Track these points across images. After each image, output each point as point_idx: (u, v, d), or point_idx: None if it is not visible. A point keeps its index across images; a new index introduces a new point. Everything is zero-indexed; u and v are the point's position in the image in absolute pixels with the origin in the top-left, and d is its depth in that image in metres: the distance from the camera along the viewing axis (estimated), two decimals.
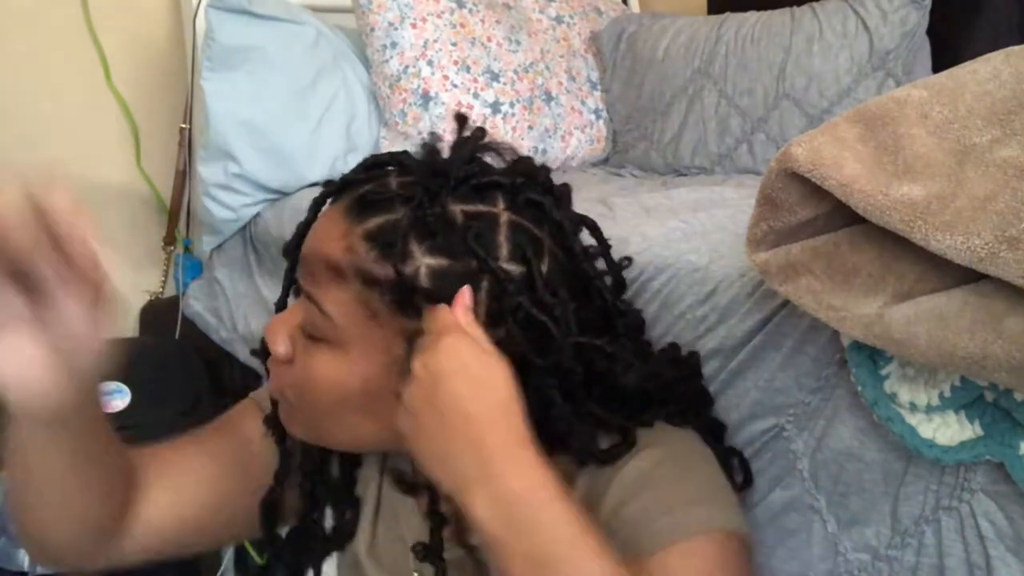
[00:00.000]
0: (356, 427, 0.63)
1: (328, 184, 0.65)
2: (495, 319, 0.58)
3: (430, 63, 1.39)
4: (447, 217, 0.59)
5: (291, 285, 0.68)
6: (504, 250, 0.59)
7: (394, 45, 1.39)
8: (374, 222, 0.59)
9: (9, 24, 1.56)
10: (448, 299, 0.57)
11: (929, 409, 0.57)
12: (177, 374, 1.45)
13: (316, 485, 0.72)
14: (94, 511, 0.60)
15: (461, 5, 1.46)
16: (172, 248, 1.74)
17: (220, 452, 0.71)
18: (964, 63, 0.60)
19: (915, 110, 0.56)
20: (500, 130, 1.42)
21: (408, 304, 0.58)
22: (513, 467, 0.51)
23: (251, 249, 1.40)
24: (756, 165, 1.40)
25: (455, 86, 1.39)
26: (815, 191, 0.56)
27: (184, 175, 1.67)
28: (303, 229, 0.66)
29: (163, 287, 1.76)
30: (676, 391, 0.68)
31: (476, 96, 1.41)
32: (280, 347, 0.63)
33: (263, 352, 0.68)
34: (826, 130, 0.57)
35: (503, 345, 0.57)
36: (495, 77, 1.44)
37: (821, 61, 1.36)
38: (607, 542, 0.50)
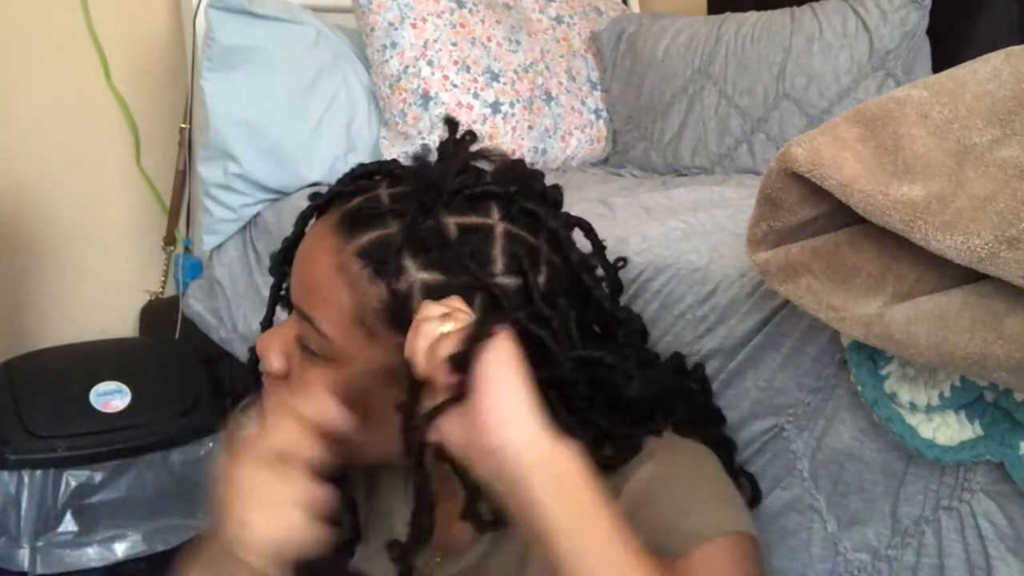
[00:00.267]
0: (363, 443, 0.62)
1: (315, 197, 0.64)
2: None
3: (430, 63, 1.39)
4: (441, 231, 0.57)
5: (276, 303, 0.67)
6: (500, 263, 0.58)
7: (394, 45, 1.39)
8: (366, 238, 0.58)
9: (9, 24, 1.56)
10: None
11: (929, 409, 0.57)
12: (177, 374, 1.46)
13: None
14: None
15: (461, 5, 1.46)
16: (172, 248, 1.74)
17: None
18: (964, 63, 0.60)
19: (915, 110, 0.56)
20: (500, 130, 1.42)
21: (404, 320, 0.56)
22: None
23: (251, 249, 1.40)
24: (756, 165, 1.40)
25: (455, 86, 1.39)
26: (815, 191, 0.56)
27: (184, 175, 1.67)
28: (291, 244, 0.64)
29: (163, 287, 1.76)
30: (680, 401, 0.67)
31: (476, 96, 1.41)
32: (275, 363, 0.62)
33: (254, 365, 0.67)
34: (826, 130, 0.57)
35: None
36: (495, 77, 1.44)
37: (821, 61, 1.35)
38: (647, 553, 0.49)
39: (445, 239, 0.57)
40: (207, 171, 1.36)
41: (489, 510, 0.59)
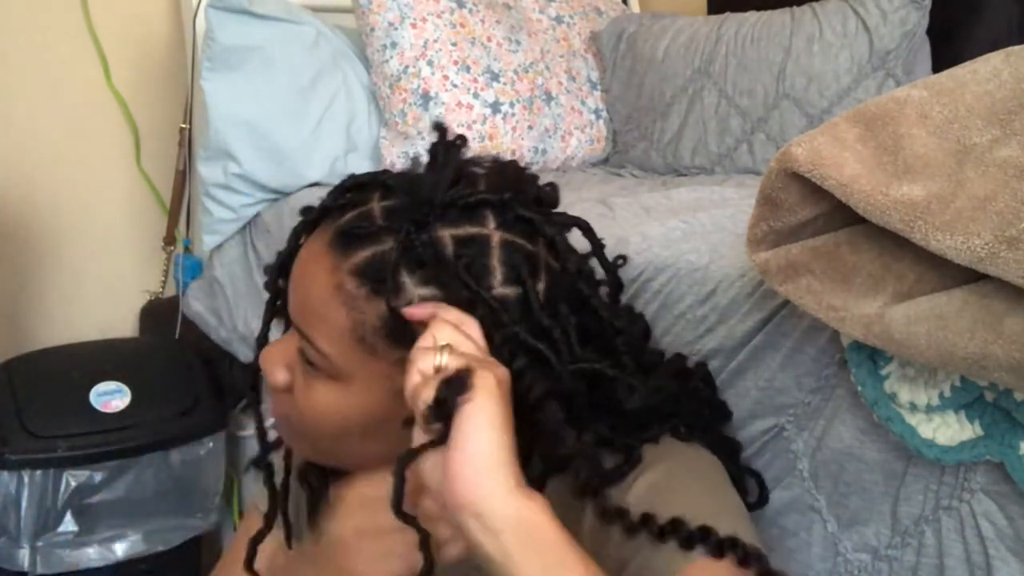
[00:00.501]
0: (362, 451, 0.62)
1: (306, 211, 0.63)
2: (496, 344, 0.56)
3: (430, 63, 1.39)
4: (436, 245, 0.57)
5: (272, 319, 0.67)
6: (498, 274, 0.57)
7: (394, 45, 1.39)
8: (361, 256, 0.57)
9: (9, 24, 1.56)
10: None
11: (929, 409, 0.57)
12: (177, 374, 1.46)
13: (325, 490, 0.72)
14: None
15: (461, 5, 1.46)
16: (172, 248, 1.74)
17: None
18: (964, 63, 0.60)
19: (915, 110, 0.56)
20: (500, 130, 1.42)
21: (405, 335, 0.56)
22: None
23: (251, 249, 1.40)
24: (756, 165, 1.40)
25: (455, 86, 1.39)
26: (815, 191, 0.56)
27: (184, 175, 1.67)
28: (285, 260, 0.64)
29: (163, 287, 1.76)
30: (683, 405, 0.66)
31: (476, 96, 1.41)
32: (279, 377, 0.62)
33: (254, 377, 0.67)
34: (826, 130, 0.57)
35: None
36: (495, 77, 1.44)
37: (821, 61, 1.35)
38: None
39: (441, 254, 0.57)
40: (207, 171, 1.36)
41: None
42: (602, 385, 0.59)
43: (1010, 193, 0.49)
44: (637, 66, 1.56)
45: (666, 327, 0.78)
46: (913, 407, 0.58)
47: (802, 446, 0.67)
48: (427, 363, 0.51)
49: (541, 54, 1.54)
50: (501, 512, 0.48)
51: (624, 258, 0.70)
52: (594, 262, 0.67)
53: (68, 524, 1.28)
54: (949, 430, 0.57)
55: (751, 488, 0.69)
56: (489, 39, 1.47)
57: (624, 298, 0.81)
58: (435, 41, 1.40)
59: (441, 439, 0.49)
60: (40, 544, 1.27)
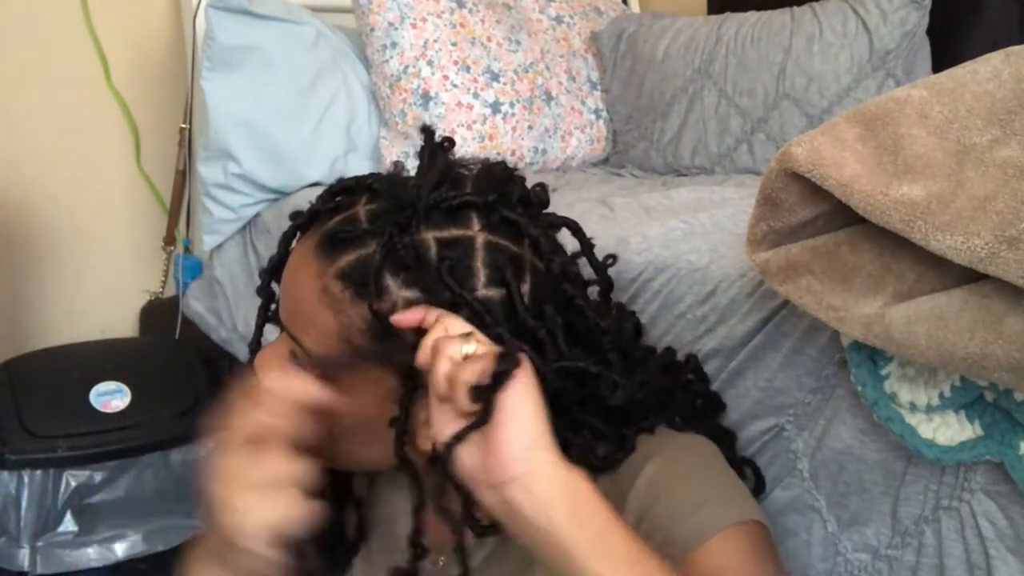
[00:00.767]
0: (357, 452, 0.62)
1: (295, 216, 0.63)
2: None
3: (430, 63, 1.39)
4: (420, 248, 0.57)
5: (264, 324, 0.67)
6: (482, 276, 0.57)
7: (394, 45, 1.39)
8: (346, 259, 0.58)
9: (9, 24, 1.56)
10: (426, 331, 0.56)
11: (929, 409, 0.57)
12: (177, 374, 1.46)
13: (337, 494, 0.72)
14: None
15: (461, 5, 1.46)
16: (172, 248, 1.74)
17: None
18: (964, 63, 0.60)
19: (915, 110, 0.56)
20: (500, 130, 1.42)
21: (391, 338, 0.56)
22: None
23: (251, 249, 1.40)
24: (756, 165, 1.40)
25: (455, 86, 1.39)
26: (815, 191, 0.56)
27: (184, 175, 1.67)
28: (276, 266, 0.64)
29: (163, 287, 1.76)
30: (674, 398, 0.67)
31: (476, 96, 1.41)
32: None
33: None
34: (826, 130, 0.57)
35: None
36: (495, 77, 1.44)
37: (821, 61, 1.35)
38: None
39: (424, 256, 0.57)
40: (207, 171, 1.36)
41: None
42: (588, 382, 0.60)
43: (1010, 193, 0.49)
44: (637, 66, 1.56)
45: (666, 327, 0.78)
46: (913, 407, 0.58)
47: (802, 446, 0.67)
48: (455, 350, 0.52)
49: (541, 54, 1.54)
50: (550, 483, 0.49)
51: (614, 257, 0.70)
52: (588, 263, 0.68)
53: (68, 524, 1.28)
54: (949, 430, 0.57)
55: (747, 478, 0.69)
56: (489, 39, 1.47)
57: (624, 298, 0.81)
58: (435, 41, 1.40)
59: (484, 419, 0.50)
60: (40, 544, 1.27)
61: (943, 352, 0.50)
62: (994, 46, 0.61)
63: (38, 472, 1.25)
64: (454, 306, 0.56)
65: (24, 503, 1.25)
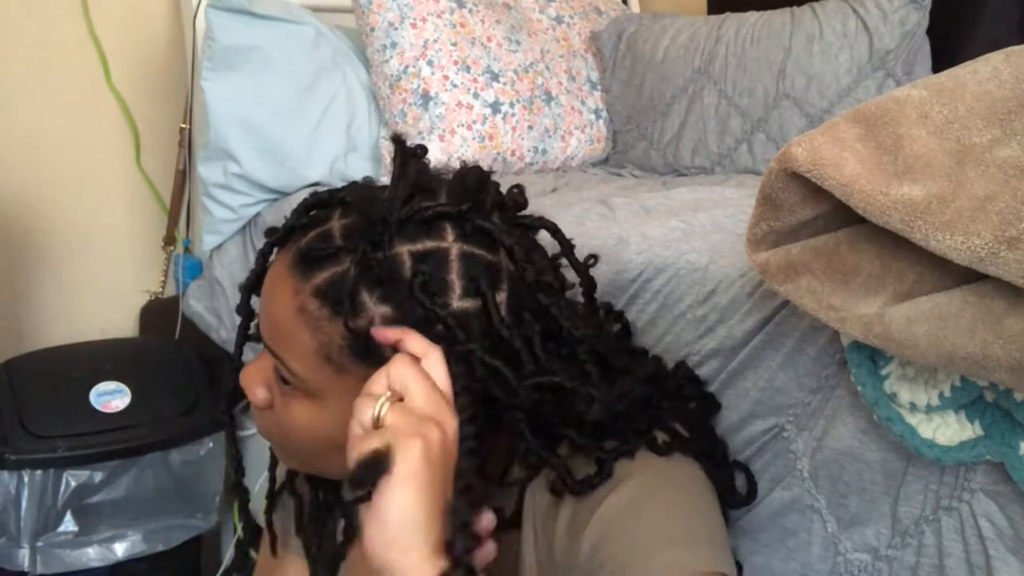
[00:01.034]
0: (345, 463, 0.62)
1: (270, 232, 0.63)
2: (456, 359, 0.56)
3: (430, 63, 1.39)
4: (394, 262, 0.56)
5: (244, 343, 0.68)
6: (457, 288, 0.57)
7: (394, 45, 1.39)
8: (321, 277, 0.57)
9: (9, 24, 1.56)
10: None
11: (929, 409, 0.57)
12: (177, 374, 1.46)
13: (326, 495, 0.72)
14: None
15: (461, 5, 1.46)
16: (172, 248, 1.74)
17: None
18: (964, 63, 0.60)
19: (915, 110, 0.56)
20: (500, 130, 1.42)
21: (370, 353, 0.56)
22: None
23: (251, 249, 1.40)
24: (756, 165, 1.40)
25: (455, 86, 1.39)
26: (815, 191, 0.56)
27: (184, 175, 1.67)
28: (253, 283, 0.64)
29: (163, 287, 1.76)
30: (659, 409, 0.65)
31: (476, 96, 1.41)
32: (258, 396, 0.63)
33: (230, 400, 0.68)
34: (826, 130, 0.57)
35: (467, 382, 0.56)
36: (495, 77, 1.44)
37: (821, 61, 1.35)
38: None
39: (397, 272, 0.56)
40: (207, 171, 1.36)
41: None
42: (562, 399, 0.59)
43: (1010, 193, 0.49)
44: (637, 66, 1.56)
45: (666, 327, 0.78)
46: (913, 407, 0.58)
47: (802, 446, 0.67)
48: (365, 415, 0.52)
49: (541, 54, 1.54)
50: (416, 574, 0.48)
51: (596, 257, 0.70)
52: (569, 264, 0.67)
53: (68, 524, 1.29)
54: (949, 430, 0.57)
55: (738, 484, 0.69)
56: (489, 39, 1.47)
57: (624, 298, 0.81)
58: (435, 41, 1.40)
59: (365, 497, 0.50)
60: (40, 544, 1.27)
61: (943, 352, 0.50)
62: (994, 46, 0.61)
63: (38, 472, 1.25)
64: (427, 321, 0.56)
65: (24, 503, 1.25)
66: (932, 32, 1.36)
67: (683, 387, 0.71)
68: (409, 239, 0.57)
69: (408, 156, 0.62)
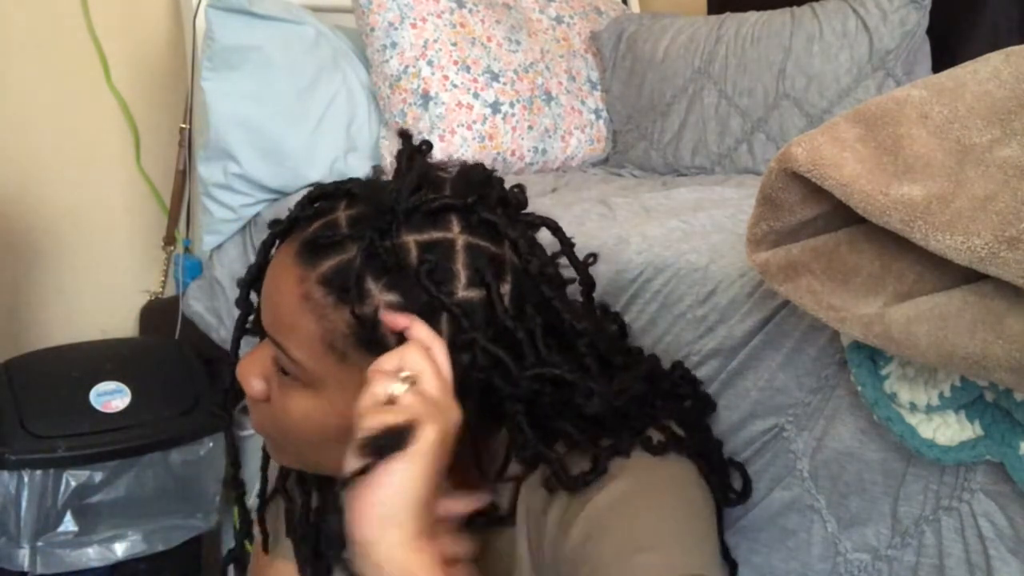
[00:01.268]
0: (343, 457, 0.62)
1: (274, 224, 0.63)
2: (459, 347, 0.57)
3: (430, 63, 1.39)
4: (400, 251, 0.57)
5: (241, 336, 0.67)
6: (462, 278, 0.58)
7: (394, 45, 1.39)
8: (327, 265, 0.58)
9: (9, 24, 1.56)
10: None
11: (929, 409, 0.57)
12: (177, 374, 1.46)
13: (320, 498, 0.72)
14: None
15: (461, 5, 1.46)
16: (172, 248, 1.74)
17: None
18: (964, 63, 0.60)
19: (915, 110, 0.56)
20: (500, 130, 1.42)
21: (374, 342, 0.56)
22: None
23: (251, 249, 1.40)
24: (756, 165, 1.40)
25: (455, 86, 1.39)
26: (815, 191, 0.56)
27: (184, 175, 1.67)
28: (256, 273, 0.64)
29: (163, 287, 1.76)
30: (654, 407, 0.65)
31: (476, 96, 1.41)
32: (255, 388, 0.63)
33: (235, 389, 0.67)
34: (826, 130, 0.57)
35: (468, 371, 0.56)
36: (495, 77, 1.44)
37: (821, 61, 1.35)
38: None
39: (404, 260, 0.57)
40: (207, 171, 1.36)
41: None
42: (564, 389, 0.59)
43: (1010, 193, 0.49)
44: (637, 66, 1.56)
45: (666, 327, 0.78)
46: (913, 407, 0.58)
47: (802, 446, 0.67)
48: (382, 388, 0.52)
49: (541, 54, 1.54)
50: (386, 559, 0.49)
51: (595, 256, 0.70)
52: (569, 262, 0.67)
53: (68, 524, 1.28)
54: (949, 430, 0.57)
55: (733, 482, 0.69)
56: (489, 39, 1.47)
57: (624, 298, 0.81)
58: (435, 41, 1.40)
59: (362, 472, 0.50)
60: (40, 544, 1.27)
61: (943, 352, 0.50)
62: (994, 46, 0.61)
63: (38, 472, 1.25)
64: (432, 309, 0.56)
65: (24, 503, 1.25)
66: (932, 32, 1.36)
67: (678, 386, 0.71)
68: (416, 229, 0.58)
69: (414, 150, 0.63)
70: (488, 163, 1.41)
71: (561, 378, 0.59)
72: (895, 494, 0.62)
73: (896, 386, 0.58)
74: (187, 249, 1.71)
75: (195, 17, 1.48)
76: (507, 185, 0.66)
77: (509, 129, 1.43)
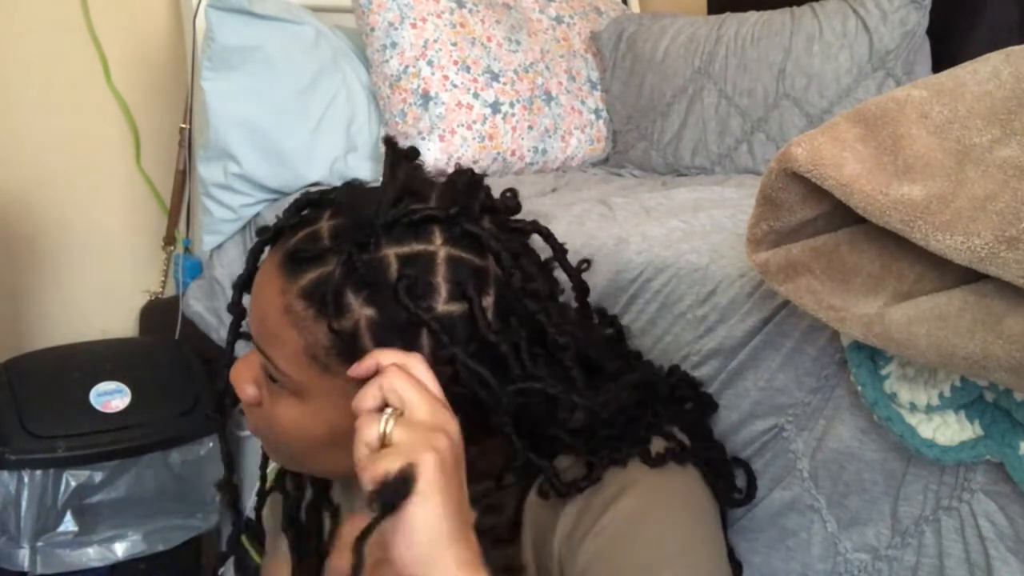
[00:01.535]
0: (333, 461, 0.62)
1: (262, 232, 0.63)
2: (440, 362, 0.56)
3: (430, 63, 1.39)
4: (379, 265, 0.56)
5: (236, 340, 0.68)
6: (443, 291, 0.57)
7: (394, 45, 1.39)
8: (308, 278, 0.57)
9: (9, 24, 1.56)
10: (392, 346, 0.55)
11: (929, 409, 0.57)
12: (177, 374, 1.46)
13: (314, 495, 0.72)
14: None
15: (461, 5, 1.46)
16: (172, 248, 1.74)
17: None
18: (964, 63, 0.60)
19: (915, 110, 0.56)
20: (500, 130, 1.42)
21: (355, 354, 0.56)
22: None
23: None
24: (756, 165, 1.40)
25: (455, 86, 1.39)
26: (815, 191, 0.56)
27: (184, 175, 1.67)
28: (245, 281, 0.64)
29: (163, 287, 1.76)
30: (644, 415, 0.64)
31: (476, 96, 1.41)
32: (248, 392, 0.63)
33: (220, 399, 0.69)
34: (826, 130, 0.57)
35: (452, 385, 0.56)
36: (495, 77, 1.44)
37: (821, 61, 1.35)
38: None
39: (383, 274, 0.56)
40: (207, 171, 1.36)
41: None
42: (546, 406, 0.59)
43: (1010, 193, 0.49)
44: (637, 66, 1.56)
45: (666, 327, 0.78)
46: (913, 407, 0.58)
47: (802, 446, 0.67)
48: (371, 434, 0.50)
49: (541, 54, 1.54)
50: None
51: (588, 262, 0.70)
52: (561, 268, 0.67)
53: (68, 524, 1.29)
54: (949, 430, 0.57)
55: (738, 482, 0.69)
56: (489, 39, 1.47)
57: (624, 298, 0.81)
58: (435, 41, 1.40)
59: (381, 518, 0.48)
60: (40, 544, 1.27)
61: (943, 352, 0.50)
62: (994, 46, 0.61)
63: (38, 472, 1.25)
64: (411, 325, 0.56)
65: (24, 503, 1.25)
66: (932, 32, 1.36)
67: (677, 389, 0.71)
68: (396, 241, 0.57)
69: (399, 158, 0.61)
70: (488, 163, 1.41)
71: (542, 392, 0.58)
72: (895, 494, 0.62)
73: (896, 386, 0.58)
74: (187, 249, 1.71)
75: (195, 17, 1.48)
76: (505, 186, 0.65)
77: (509, 129, 1.43)
